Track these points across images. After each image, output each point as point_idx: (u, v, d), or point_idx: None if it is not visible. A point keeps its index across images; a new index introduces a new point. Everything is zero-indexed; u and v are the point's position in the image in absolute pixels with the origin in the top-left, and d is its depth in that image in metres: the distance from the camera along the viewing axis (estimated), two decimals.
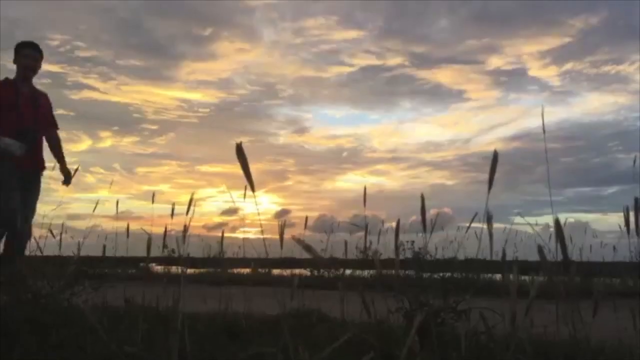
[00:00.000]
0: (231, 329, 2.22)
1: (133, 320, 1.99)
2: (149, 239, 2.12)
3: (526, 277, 4.54)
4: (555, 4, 20.00)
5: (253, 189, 1.07)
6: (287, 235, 3.95)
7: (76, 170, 4.35)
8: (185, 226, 2.99)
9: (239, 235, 4.47)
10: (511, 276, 1.55)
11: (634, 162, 3.02)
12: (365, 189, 2.26)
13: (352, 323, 1.84)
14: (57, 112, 4.47)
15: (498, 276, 5.45)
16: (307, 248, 0.82)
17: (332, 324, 1.90)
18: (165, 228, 2.75)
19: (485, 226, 1.80)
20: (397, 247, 1.41)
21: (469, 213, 2.70)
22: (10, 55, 4.12)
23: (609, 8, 19.90)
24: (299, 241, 0.83)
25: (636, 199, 1.39)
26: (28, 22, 18.05)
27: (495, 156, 1.28)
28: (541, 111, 1.49)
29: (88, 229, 4.81)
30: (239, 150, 1.05)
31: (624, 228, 1.82)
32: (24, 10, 18.00)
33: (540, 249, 1.23)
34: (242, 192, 2.77)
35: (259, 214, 1.31)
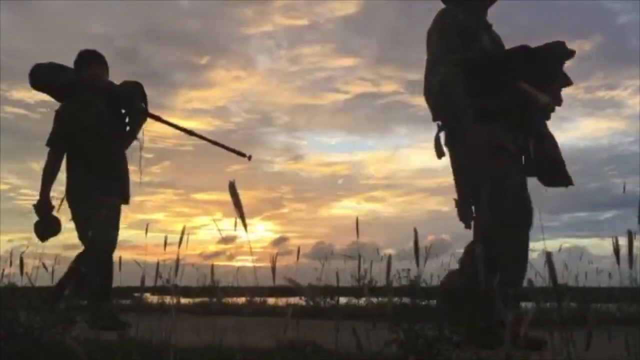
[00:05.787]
0: None
1: (126, 355, 1.97)
2: (143, 275, 2.12)
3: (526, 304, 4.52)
4: (549, 30, 20.34)
5: (245, 227, 1.07)
6: (283, 263, 3.92)
7: (62, 200, 4.18)
8: (177, 257, 2.98)
9: (235, 263, 4.43)
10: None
11: (624, 188, 3.05)
12: (357, 219, 2.24)
13: (347, 356, 1.83)
14: None
15: None
16: (298, 288, 0.83)
17: (327, 356, 1.89)
18: (158, 262, 2.74)
19: None
20: (389, 281, 1.42)
21: (467, 239, 2.71)
22: (9, 85, 4.05)
23: (602, 34, 20.21)
24: (290, 281, 0.84)
25: (629, 231, 1.41)
26: (25, 52, 18.21)
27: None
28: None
29: None
30: (232, 189, 1.05)
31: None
32: (21, 41, 18.20)
33: (529, 282, 1.25)
34: (238, 220, 2.75)
35: (250, 247, 1.33)
